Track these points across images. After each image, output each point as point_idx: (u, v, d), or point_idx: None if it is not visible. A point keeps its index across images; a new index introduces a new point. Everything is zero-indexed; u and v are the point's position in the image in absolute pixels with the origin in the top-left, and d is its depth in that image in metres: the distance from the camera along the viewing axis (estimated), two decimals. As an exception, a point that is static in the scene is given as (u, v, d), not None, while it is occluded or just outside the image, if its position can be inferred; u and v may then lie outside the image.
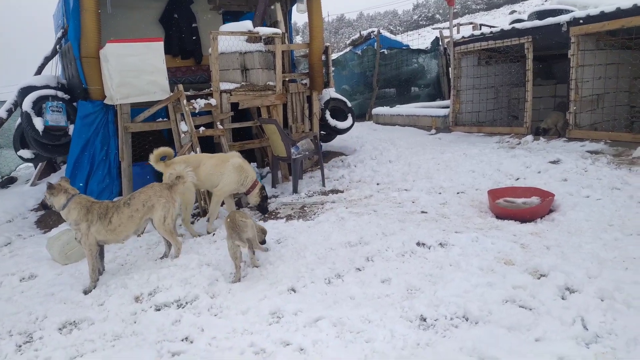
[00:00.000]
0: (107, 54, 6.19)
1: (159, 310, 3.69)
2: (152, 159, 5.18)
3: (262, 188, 5.91)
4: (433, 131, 10.64)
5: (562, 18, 7.82)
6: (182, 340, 3.23)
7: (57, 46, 7.83)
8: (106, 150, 6.74)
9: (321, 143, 8.44)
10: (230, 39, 7.43)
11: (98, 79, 6.59)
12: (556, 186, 5.74)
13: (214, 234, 5.42)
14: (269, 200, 6.32)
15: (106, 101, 6.62)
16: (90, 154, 6.66)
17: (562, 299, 3.28)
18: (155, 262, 4.66)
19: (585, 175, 6.01)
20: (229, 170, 5.60)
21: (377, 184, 7.10)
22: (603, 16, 7.14)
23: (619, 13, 6.93)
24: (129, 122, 6.48)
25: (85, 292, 4.18)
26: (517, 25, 8.86)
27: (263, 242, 4.59)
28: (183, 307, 3.71)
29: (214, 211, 5.69)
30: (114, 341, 3.32)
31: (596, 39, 7.80)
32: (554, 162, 6.67)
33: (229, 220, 4.17)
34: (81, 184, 6.52)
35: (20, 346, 3.42)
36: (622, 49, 8.24)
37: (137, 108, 6.61)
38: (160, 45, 6.47)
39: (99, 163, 6.71)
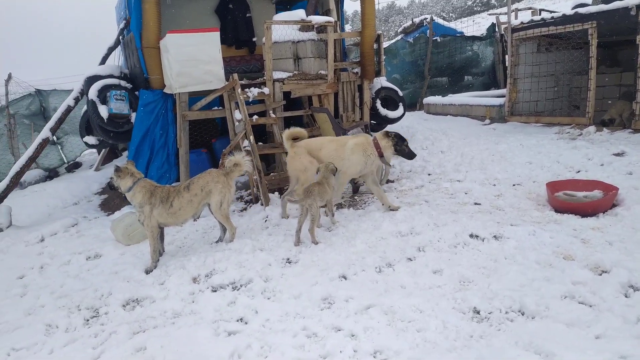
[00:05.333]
0: (168, 44, 6.40)
1: (215, 291, 3.85)
2: (285, 137, 5.49)
3: (390, 136, 5.38)
4: (487, 121, 10.33)
5: (631, 1, 7.36)
6: (238, 321, 3.35)
7: (120, 37, 8.16)
8: (165, 138, 7.01)
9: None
10: (283, 28, 7.50)
11: (158, 68, 6.86)
12: (620, 179, 5.46)
13: (265, 220, 5.53)
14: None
15: (166, 90, 6.87)
16: (151, 141, 6.94)
17: (625, 296, 3.15)
18: (211, 246, 4.84)
19: (653, 168, 5.67)
20: (347, 153, 5.45)
21: (429, 174, 7.01)
22: (679, -2, 6.66)
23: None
24: (187, 110, 6.71)
25: (147, 272, 4.41)
26: (581, 10, 8.41)
27: None
28: (238, 290, 3.83)
29: (338, 192, 5.47)
30: (174, 319, 3.49)
31: (670, 23, 7.29)
32: (618, 155, 6.33)
33: (315, 187, 4.71)
34: (142, 170, 6.81)
35: (87, 320, 3.67)
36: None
37: (193, 97, 6.83)
38: (216, 35, 6.63)
39: (158, 150, 6.99)
